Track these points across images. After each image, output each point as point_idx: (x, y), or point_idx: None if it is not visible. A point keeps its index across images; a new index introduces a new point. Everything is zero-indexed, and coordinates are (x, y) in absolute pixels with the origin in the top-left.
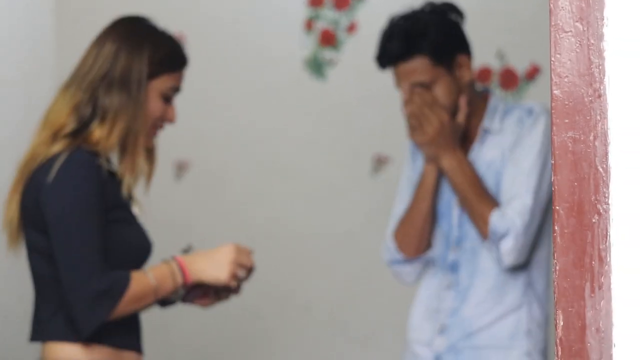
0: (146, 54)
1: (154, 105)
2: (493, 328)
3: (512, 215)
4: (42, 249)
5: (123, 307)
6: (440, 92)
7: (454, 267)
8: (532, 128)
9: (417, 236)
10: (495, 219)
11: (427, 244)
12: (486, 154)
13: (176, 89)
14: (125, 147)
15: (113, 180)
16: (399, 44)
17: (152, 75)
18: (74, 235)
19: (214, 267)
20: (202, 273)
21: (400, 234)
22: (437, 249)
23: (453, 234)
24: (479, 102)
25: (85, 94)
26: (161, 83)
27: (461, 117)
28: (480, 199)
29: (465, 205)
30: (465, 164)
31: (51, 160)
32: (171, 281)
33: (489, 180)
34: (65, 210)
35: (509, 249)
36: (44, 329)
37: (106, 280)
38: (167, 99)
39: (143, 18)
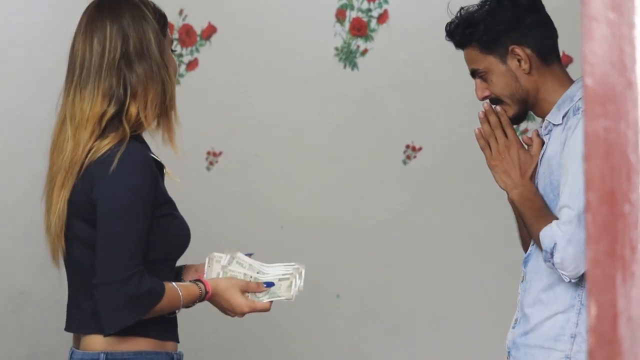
0: (150, 18)
1: (172, 60)
2: (543, 327)
3: (556, 227)
4: (91, 241)
5: (148, 315)
6: (494, 82)
7: (525, 261)
8: (575, 129)
9: (524, 246)
10: (543, 235)
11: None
12: (548, 149)
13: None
14: (161, 112)
15: (160, 172)
16: (453, 33)
17: (164, 34)
18: (124, 232)
19: (226, 310)
20: (216, 305)
21: (523, 247)
22: None
23: None
24: (557, 90)
25: (110, 80)
26: (168, 39)
27: (534, 148)
28: (537, 220)
29: (528, 230)
30: (529, 190)
31: (108, 154)
32: (192, 304)
33: (546, 179)
34: (121, 206)
35: (559, 262)
36: (86, 320)
37: (144, 285)
38: (172, 51)
39: None
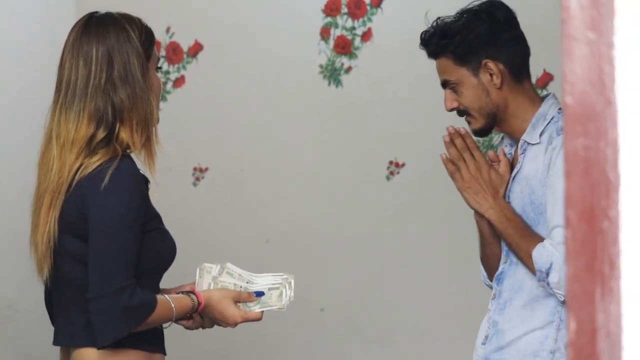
0: (135, 40)
1: (156, 81)
2: (520, 343)
3: (551, 247)
4: (82, 256)
5: (141, 327)
6: (465, 94)
7: (499, 279)
8: (562, 150)
9: (487, 268)
10: (537, 255)
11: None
12: (525, 168)
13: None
14: (146, 136)
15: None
16: (428, 42)
17: (147, 57)
18: (116, 246)
19: (218, 321)
20: (209, 316)
21: (484, 265)
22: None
23: (505, 245)
24: (527, 107)
25: (97, 102)
26: (153, 59)
27: (502, 167)
28: (523, 239)
29: (512, 249)
30: (506, 209)
31: (99, 169)
32: (185, 316)
33: (525, 198)
34: (113, 222)
35: (556, 282)
36: (78, 334)
37: (136, 298)
38: (157, 69)
39: (98, 12)
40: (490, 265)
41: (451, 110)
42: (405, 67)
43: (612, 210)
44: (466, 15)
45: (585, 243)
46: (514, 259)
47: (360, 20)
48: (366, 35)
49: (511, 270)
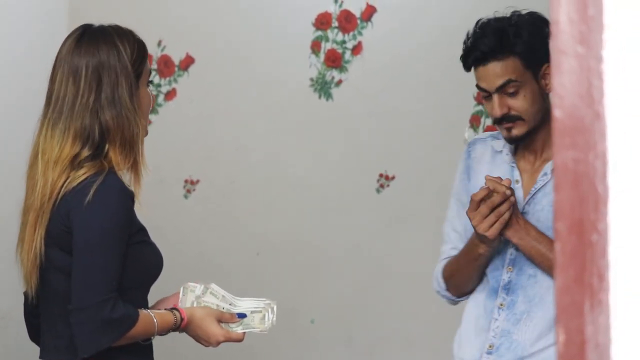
0: (125, 59)
1: (146, 98)
2: (545, 353)
3: None
4: (69, 269)
5: (121, 341)
6: (526, 97)
7: (508, 288)
8: None
9: (464, 287)
10: None
11: (474, 288)
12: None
13: (151, 70)
14: (132, 157)
15: (131, 199)
16: (494, 41)
17: (138, 75)
18: (99, 259)
19: (200, 339)
20: (191, 333)
21: (448, 278)
22: (489, 266)
23: (508, 254)
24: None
25: (83, 120)
26: (145, 75)
27: (505, 181)
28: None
29: (544, 266)
30: (529, 228)
31: (84, 183)
32: (166, 332)
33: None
34: (96, 235)
35: None
36: (64, 347)
37: (117, 311)
38: (148, 84)
39: (92, 25)
40: (465, 283)
41: (501, 115)
42: (395, 80)
43: (601, 223)
44: (528, 17)
45: (574, 255)
46: (529, 271)
47: (351, 34)
48: (356, 49)
49: (527, 282)
